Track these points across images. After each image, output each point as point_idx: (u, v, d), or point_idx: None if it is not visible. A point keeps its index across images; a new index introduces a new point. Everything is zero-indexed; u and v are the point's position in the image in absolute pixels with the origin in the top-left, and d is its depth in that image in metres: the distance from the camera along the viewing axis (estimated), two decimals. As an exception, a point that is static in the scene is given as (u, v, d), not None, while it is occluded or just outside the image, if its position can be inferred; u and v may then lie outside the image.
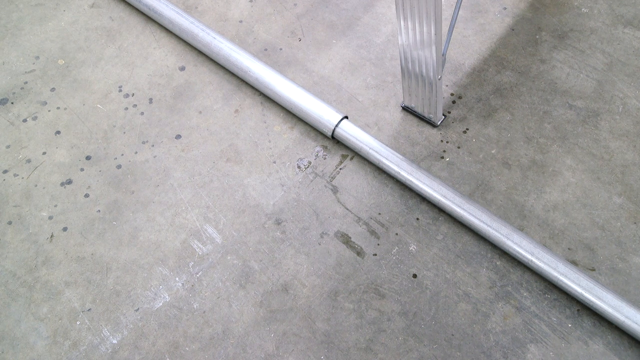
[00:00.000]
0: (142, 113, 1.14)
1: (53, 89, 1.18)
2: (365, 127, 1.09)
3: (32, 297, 0.92)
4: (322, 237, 0.96)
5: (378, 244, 0.95)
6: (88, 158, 1.08)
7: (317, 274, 0.92)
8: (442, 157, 1.04)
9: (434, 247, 0.94)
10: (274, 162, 1.06)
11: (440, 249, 0.94)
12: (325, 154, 1.07)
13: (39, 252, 0.96)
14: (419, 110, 1.09)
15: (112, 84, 1.19)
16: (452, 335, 0.85)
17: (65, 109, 1.15)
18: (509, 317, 0.86)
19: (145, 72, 1.20)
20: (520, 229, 0.94)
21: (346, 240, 0.96)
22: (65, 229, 0.99)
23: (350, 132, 1.03)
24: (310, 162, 1.06)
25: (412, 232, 0.96)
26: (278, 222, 0.98)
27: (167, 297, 0.91)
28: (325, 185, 1.02)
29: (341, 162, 1.05)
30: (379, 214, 0.98)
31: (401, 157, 0.99)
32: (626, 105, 1.09)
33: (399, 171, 0.98)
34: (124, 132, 1.11)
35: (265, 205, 1.00)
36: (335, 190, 1.02)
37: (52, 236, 0.98)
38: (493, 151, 1.04)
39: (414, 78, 1.00)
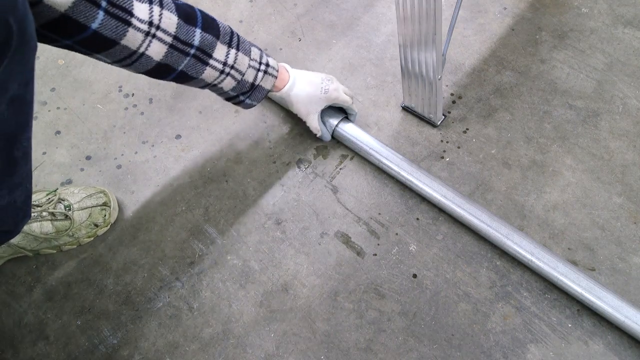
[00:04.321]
0: (142, 113, 1.14)
1: (53, 89, 1.18)
2: (365, 127, 1.09)
3: (33, 297, 0.92)
4: (322, 237, 0.96)
5: (378, 244, 0.95)
6: (88, 158, 1.08)
7: (317, 274, 0.92)
8: (442, 157, 1.04)
9: (434, 247, 0.94)
10: (274, 162, 1.06)
11: (440, 249, 0.94)
12: (325, 154, 1.07)
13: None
14: (419, 110, 1.09)
15: (112, 84, 1.19)
16: (452, 335, 0.85)
17: (65, 109, 1.15)
18: (509, 317, 0.86)
19: (145, 72, 1.20)
20: (520, 229, 0.94)
21: (346, 240, 0.96)
22: (65, 229, 0.98)
23: (350, 132, 1.03)
24: (310, 162, 1.06)
25: (412, 232, 0.96)
26: (278, 222, 0.98)
27: (167, 297, 0.91)
28: (325, 185, 1.02)
29: (341, 162, 1.05)
30: (379, 214, 0.98)
31: (401, 157, 0.99)
32: (626, 105, 1.09)
33: (399, 171, 0.98)
34: (124, 132, 1.11)
35: (265, 205, 1.00)
36: (335, 190, 1.02)
37: (52, 236, 0.98)
38: (493, 151, 1.04)
39: (414, 78, 1.00)
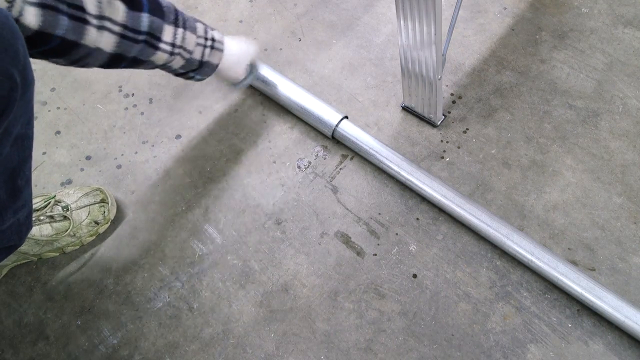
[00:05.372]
0: (142, 113, 1.14)
1: (53, 89, 1.18)
2: (365, 127, 1.09)
3: (33, 297, 0.92)
4: (322, 237, 0.96)
5: (378, 244, 0.95)
6: (88, 158, 1.08)
7: (317, 274, 0.92)
8: (442, 157, 1.04)
9: (434, 247, 0.94)
10: (274, 162, 1.06)
11: (440, 249, 0.94)
12: (325, 154, 1.07)
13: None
14: (419, 110, 1.09)
15: (112, 84, 1.19)
16: (452, 335, 0.85)
17: (65, 109, 1.15)
18: (509, 317, 0.86)
19: (145, 72, 1.20)
20: (520, 229, 0.94)
21: (346, 240, 0.96)
22: (65, 229, 0.98)
23: (351, 132, 1.03)
24: (310, 162, 1.06)
25: (412, 232, 0.96)
26: (278, 222, 0.98)
27: (167, 297, 0.91)
28: (325, 185, 1.02)
29: (341, 162, 1.05)
30: (379, 214, 0.98)
31: (401, 157, 0.99)
32: (626, 105, 1.09)
33: (399, 171, 0.98)
34: (124, 132, 1.11)
35: (265, 205, 1.00)
36: (335, 190, 1.02)
37: (52, 236, 0.98)
38: (493, 151, 1.04)
39: (414, 78, 1.00)
